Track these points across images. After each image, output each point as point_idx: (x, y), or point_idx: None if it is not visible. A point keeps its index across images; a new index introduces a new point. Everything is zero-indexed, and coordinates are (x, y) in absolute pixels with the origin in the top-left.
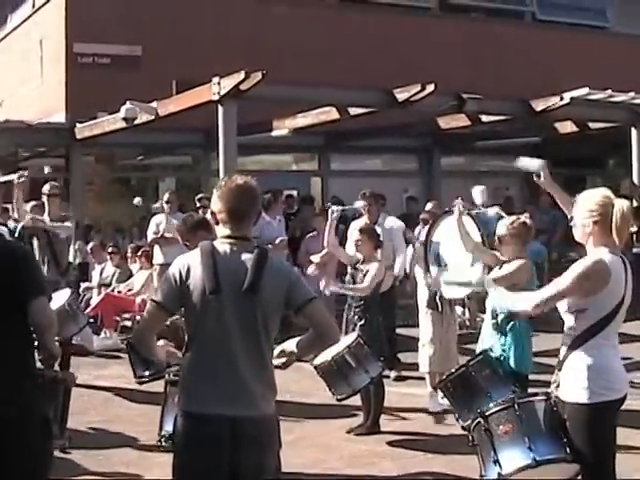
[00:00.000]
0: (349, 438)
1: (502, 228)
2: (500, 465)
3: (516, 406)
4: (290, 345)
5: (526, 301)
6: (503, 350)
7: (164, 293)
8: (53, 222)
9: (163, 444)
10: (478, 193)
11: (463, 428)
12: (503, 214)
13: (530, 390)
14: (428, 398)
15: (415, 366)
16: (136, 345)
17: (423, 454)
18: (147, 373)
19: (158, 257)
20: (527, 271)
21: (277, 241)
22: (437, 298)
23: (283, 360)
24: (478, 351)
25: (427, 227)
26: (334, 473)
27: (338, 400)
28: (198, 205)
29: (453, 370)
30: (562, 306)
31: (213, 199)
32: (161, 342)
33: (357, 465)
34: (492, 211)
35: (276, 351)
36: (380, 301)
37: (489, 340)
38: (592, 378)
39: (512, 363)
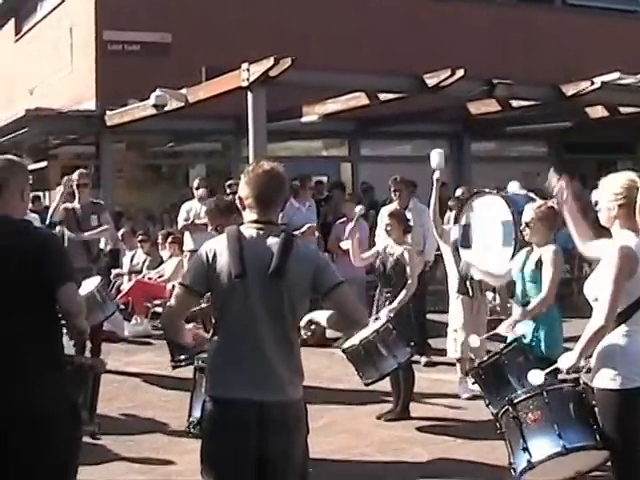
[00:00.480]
0: (379, 424)
1: (529, 213)
2: (530, 453)
3: (545, 393)
4: (320, 316)
5: (593, 330)
6: (534, 336)
7: (191, 276)
8: (83, 210)
9: (192, 430)
10: (515, 188)
11: (494, 415)
12: (534, 196)
13: (560, 376)
14: (458, 384)
15: (445, 352)
16: (164, 328)
17: (453, 440)
18: (182, 357)
19: (188, 244)
20: (561, 260)
21: (304, 228)
22: (467, 283)
23: (309, 332)
24: (510, 339)
25: (455, 211)
26: (364, 459)
27: (366, 385)
28: (228, 191)
29: (486, 357)
30: (590, 293)
31: (240, 185)
32: (189, 325)
33: (387, 451)
34: (522, 193)
35: (304, 319)
36: None
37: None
38: (622, 364)
39: (543, 348)
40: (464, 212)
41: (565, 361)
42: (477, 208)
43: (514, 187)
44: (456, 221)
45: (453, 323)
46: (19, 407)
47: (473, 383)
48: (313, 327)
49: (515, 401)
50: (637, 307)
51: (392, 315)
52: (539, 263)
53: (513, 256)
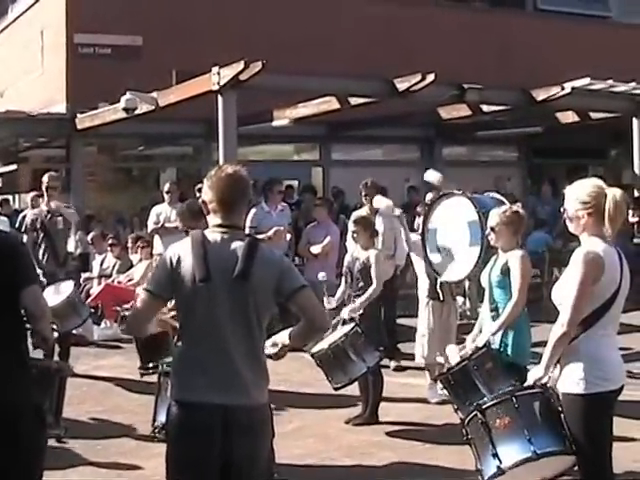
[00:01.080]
0: (348, 428)
1: (494, 217)
2: (499, 458)
3: (514, 399)
4: (283, 336)
5: (556, 337)
6: (502, 341)
7: (155, 281)
8: (51, 213)
9: (157, 435)
10: (431, 177)
11: (462, 420)
12: (502, 199)
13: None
14: (427, 388)
15: (413, 356)
16: (129, 327)
17: (422, 444)
18: (151, 365)
19: (158, 247)
20: (528, 265)
21: (271, 231)
22: (438, 287)
23: (275, 350)
24: (479, 344)
25: (423, 215)
26: (332, 464)
27: (335, 389)
28: (198, 195)
29: (454, 363)
30: (557, 298)
31: (204, 189)
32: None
33: (355, 455)
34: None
35: (269, 342)
36: (381, 290)
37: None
38: (588, 369)
39: (510, 354)
40: (431, 215)
41: (535, 374)
42: (444, 210)
43: (430, 176)
44: (424, 225)
45: (422, 328)
46: None
47: (442, 388)
48: (277, 350)
49: (484, 407)
50: (603, 312)
51: (354, 315)
52: (505, 268)
53: (480, 256)
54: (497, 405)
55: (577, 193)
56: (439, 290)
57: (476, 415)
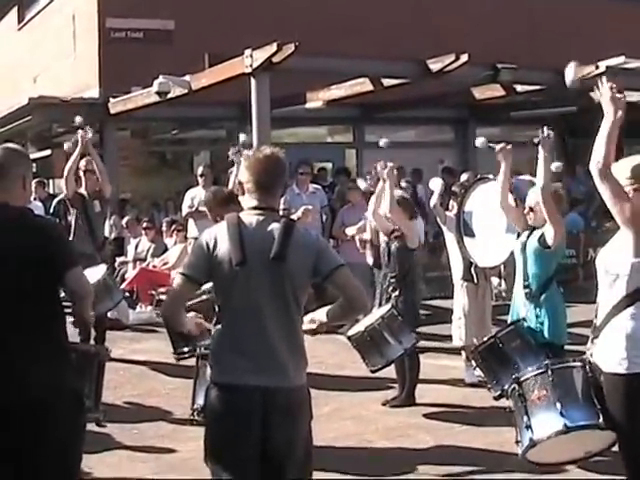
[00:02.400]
0: (384, 410)
1: (533, 196)
2: (532, 430)
3: (549, 372)
4: (320, 314)
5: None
6: (538, 320)
7: (191, 265)
8: (88, 197)
9: (195, 418)
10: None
11: (494, 398)
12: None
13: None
14: (464, 370)
15: (450, 337)
16: (165, 318)
17: (459, 426)
18: (186, 350)
19: (192, 231)
20: (563, 235)
21: (299, 211)
22: (472, 269)
23: (313, 327)
24: (510, 321)
25: (459, 198)
26: (369, 445)
27: (372, 372)
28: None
29: (483, 340)
30: (601, 266)
31: (241, 170)
32: (191, 314)
33: (392, 437)
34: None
35: (306, 319)
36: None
37: (522, 310)
38: (630, 347)
39: (546, 333)
40: (467, 199)
41: None
42: (480, 194)
43: (480, 141)
44: (459, 208)
45: (458, 310)
46: (21, 392)
47: (474, 368)
48: (315, 325)
49: (521, 379)
50: None
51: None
52: (542, 239)
53: None
54: (533, 377)
55: (623, 170)
56: (473, 272)
57: (515, 387)
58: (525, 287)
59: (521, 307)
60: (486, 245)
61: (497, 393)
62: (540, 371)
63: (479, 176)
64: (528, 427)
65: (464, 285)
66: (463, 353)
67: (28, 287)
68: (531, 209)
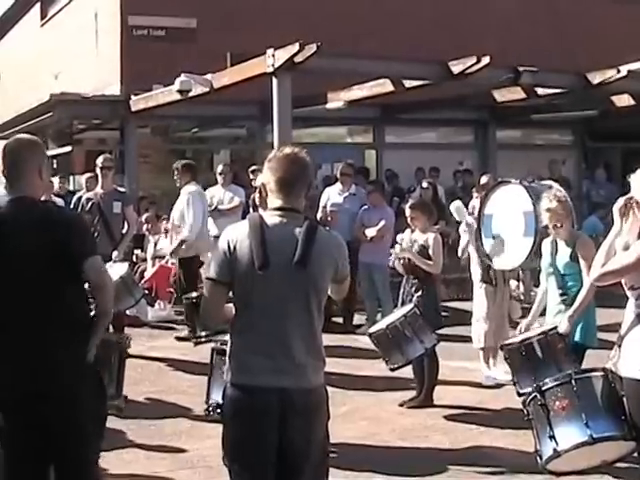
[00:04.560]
0: (401, 411)
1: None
2: (556, 441)
3: (573, 382)
4: None
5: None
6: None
7: (217, 268)
8: (107, 195)
9: (211, 413)
10: (454, 210)
11: (519, 394)
12: (552, 184)
13: (590, 364)
14: (482, 372)
15: (468, 339)
16: (206, 326)
17: (476, 428)
18: (204, 334)
19: (212, 229)
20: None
21: (319, 213)
22: (490, 272)
23: None
24: (549, 326)
25: (479, 200)
26: (385, 446)
27: (391, 370)
28: (251, 177)
29: (531, 334)
30: (626, 282)
31: (264, 170)
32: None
33: (409, 438)
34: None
35: None
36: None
37: (557, 315)
38: None
39: (578, 337)
40: (487, 201)
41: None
42: (500, 197)
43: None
44: (480, 210)
45: (477, 312)
46: (55, 378)
47: (495, 367)
48: None
49: (543, 388)
50: None
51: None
52: (574, 255)
53: (533, 247)
54: (556, 387)
55: None
56: (491, 275)
57: (536, 397)
58: (561, 295)
59: (554, 312)
60: (503, 247)
61: (525, 390)
62: (563, 381)
63: (499, 179)
64: (552, 437)
65: (483, 287)
66: (481, 355)
67: (55, 280)
68: (555, 226)
